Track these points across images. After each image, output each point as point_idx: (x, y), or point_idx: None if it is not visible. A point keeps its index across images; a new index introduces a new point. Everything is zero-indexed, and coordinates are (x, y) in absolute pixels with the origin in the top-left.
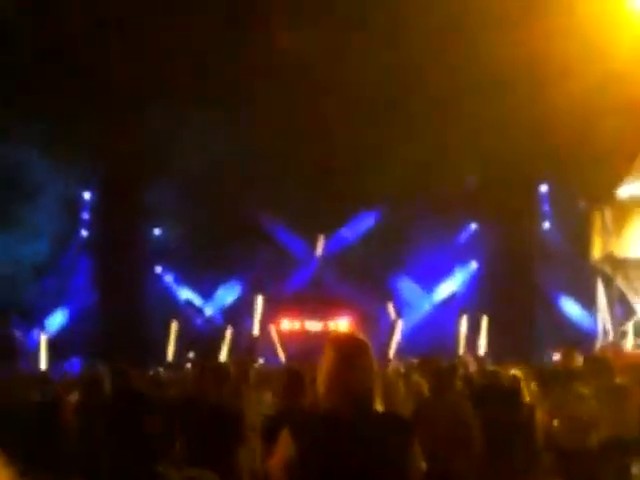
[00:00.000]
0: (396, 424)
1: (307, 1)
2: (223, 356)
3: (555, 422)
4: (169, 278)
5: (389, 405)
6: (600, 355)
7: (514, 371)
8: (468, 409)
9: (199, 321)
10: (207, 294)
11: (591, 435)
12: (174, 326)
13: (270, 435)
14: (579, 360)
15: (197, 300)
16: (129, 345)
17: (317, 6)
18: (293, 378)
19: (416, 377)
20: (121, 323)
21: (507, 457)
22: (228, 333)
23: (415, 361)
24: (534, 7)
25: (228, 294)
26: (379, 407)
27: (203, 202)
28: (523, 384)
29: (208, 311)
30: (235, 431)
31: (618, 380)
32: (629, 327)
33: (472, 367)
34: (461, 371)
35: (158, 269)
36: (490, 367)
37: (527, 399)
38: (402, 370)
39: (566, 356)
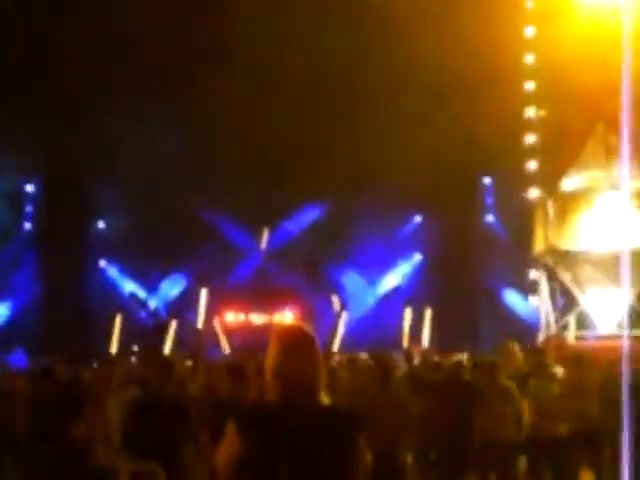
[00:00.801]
0: (342, 416)
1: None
2: (167, 349)
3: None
4: (113, 271)
5: (334, 397)
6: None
7: (457, 357)
8: (411, 401)
9: (143, 314)
10: (152, 287)
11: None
12: (118, 319)
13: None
14: (518, 353)
15: (141, 293)
16: (73, 338)
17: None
18: (236, 371)
19: (361, 369)
20: (65, 316)
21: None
22: (172, 326)
23: (362, 354)
24: (479, 18)
25: (173, 287)
26: (325, 399)
27: (148, 195)
28: (465, 370)
29: (152, 304)
30: (183, 426)
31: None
32: (571, 319)
33: (417, 359)
34: (404, 365)
35: (102, 262)
36: (434, 359)
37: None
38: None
39: (504, 350)
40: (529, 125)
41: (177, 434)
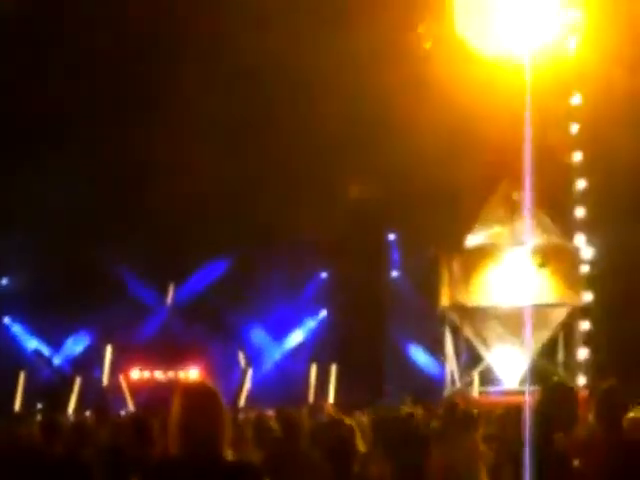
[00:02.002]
0: (245, 471)
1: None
2: (71, 407)
3: (373, 468)
4: (17, 328)
5: (239, 453)
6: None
7: (348, 421)
8: (317, 458)
9: (47, 371)
10: (56, 344)
11: None
12: (22, 376)
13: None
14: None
15: (45, 350)
16: None
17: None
18: (142, 427)
19: (267, 425)
20: None
21: None
22: (77, 383)
23: (267, 411)
24: (384, 56)
25: (77, 344)
26: (229, 455)
27: (52, 251)
28: (357, 434)
29: (57, 361)
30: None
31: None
32: (475, 375)
33: (321, 416)
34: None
35: (6, 319)
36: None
37: (361, 449)
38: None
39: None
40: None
41: None
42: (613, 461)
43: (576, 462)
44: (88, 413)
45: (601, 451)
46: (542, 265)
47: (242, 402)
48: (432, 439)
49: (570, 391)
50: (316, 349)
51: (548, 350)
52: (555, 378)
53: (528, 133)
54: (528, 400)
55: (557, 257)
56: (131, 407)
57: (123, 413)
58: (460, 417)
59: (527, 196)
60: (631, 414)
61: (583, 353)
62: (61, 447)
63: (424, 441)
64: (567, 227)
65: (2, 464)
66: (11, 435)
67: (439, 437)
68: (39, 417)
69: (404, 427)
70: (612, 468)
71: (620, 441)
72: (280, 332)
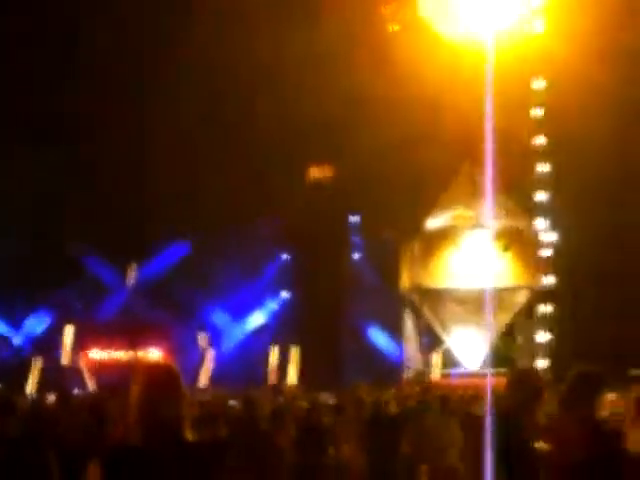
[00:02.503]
0: (206, 451)
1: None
2: (30, 386)
3: (345, 449)
4: None
5: (199, 433)
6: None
7: (304, 403)
8: (279, 438)
9: (7, 351)
10: (16, 324)
11: None
12: None
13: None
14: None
15: (5, 330)
16: None
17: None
18: (99, 409)
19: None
20: None
21: None
22: (37, 363)
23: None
24: (349, 42)
25: (38, 324)
26: (189, 435)
27: (12, 231)
28: (317, 414)
29: (16, 341)
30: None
31: None
32: (436, 357)
33: (281, 398)
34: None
35: None
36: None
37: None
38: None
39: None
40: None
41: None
42: (577, 445)
43: (538, 444)
44: (51, 396)
45: (564, 435)
46: (506, 248)
47: (203, 382)
48: (407, 420)
49: (532, 374)
50: (277, 330)
51: (507, 333)
52: (515, 362)
53: (489, 116)
54: (489, 383)
55: (519, 240)
56: (91, 387)
57: (77, 391)
58: (435, 399)
59: (488, 179)
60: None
61: (543, 336)
62: (16, 428)
63: (396, 423)
64: (529, 210)
65: None
66: None
67: (415, 418)
68: None
69: (375, 410)
70: (576, 452)
71: (587, 426)
72: (241, 313)
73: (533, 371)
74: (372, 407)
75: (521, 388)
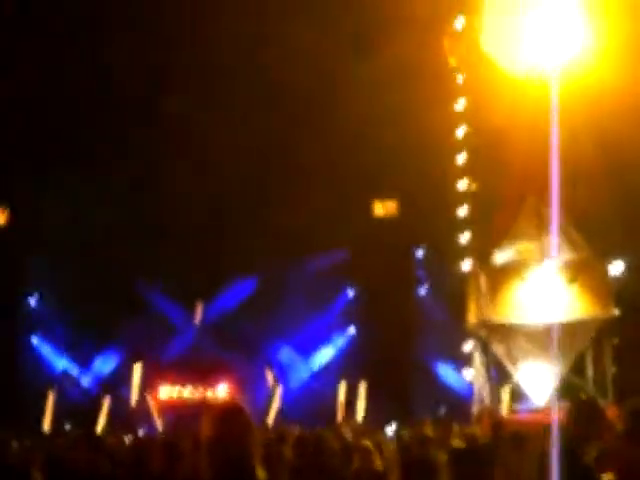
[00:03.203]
0: None
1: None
2: (100, 427)
3: None
4: (46, 348)
5: (272, 472)
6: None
7: (366, 442)
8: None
9: (76, 392)
10: (84, 364)
11: None
12: (50, 396)
13: None
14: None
15: (74, 370)
16: (4, 416)
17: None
18: (172, 449)
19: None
20: None
21: None
22: (105, 403)
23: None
24: (407, 71)
25: (106, 363)
26: (260, 473)
27: (79, 270)
28: (375, 454)
29: (85, 381)
30: None
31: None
32: (504, 392)
33: (348, 435)
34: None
35: (34, 339)
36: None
37: (379, 468)
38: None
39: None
40: (461, 197)
41: None
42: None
43: (605, 477)
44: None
45: (630, 466)
46: (572, 280)
47: (271, 421)
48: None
49: (596, 406)
50: (344, 367)
51: (577, 366)
52: (582, 395)
53: (554, 148)
54: (556, 416)
55: (586, 272)
56: (159, 426)
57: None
58: (508, 436)
59: (554, 212)
60: None
61: (613, 369)
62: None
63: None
64: (596, 242)
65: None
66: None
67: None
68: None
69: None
70: None
71: None
72: (308, 350)
73: (595, 403)
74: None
75: (585, 420)
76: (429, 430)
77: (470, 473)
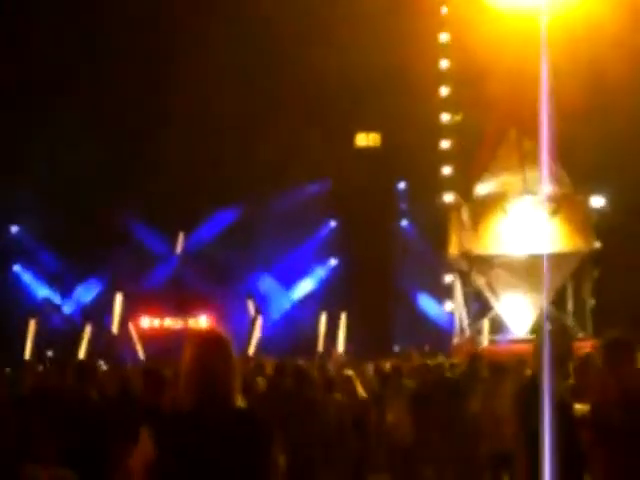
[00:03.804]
0: (256, 420)
1: None
2: (81, 354)
3: (389, 417)
4: (27, 276)
5: (250, 401)
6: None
7: (348, 372)
8: (328, 406)
9: (58, 319)
10: (66, 292)
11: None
12: (32, 324)
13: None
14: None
15: (56, 298)
16: None
17: None
18: (153, 377)
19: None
20: None
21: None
22: (87, 331)
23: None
24: (396, 6)
25: (88, 292)
26: (240, 402)
27: (62, 199)
28: (356, 383)
29: (67, 309)
30: (105, 430)
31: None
32: (484, 323)
33: (331, 366)
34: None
35: (16, 267)
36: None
37: (361, 396)
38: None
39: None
40: (444, 130)
41: (100, 439)
42: (617, 407)
43: (579, 407)
44: (101, 362)
45: (605, 396)
46: (554, 213)
47: (252, 351)
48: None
49: (564, 328)
50: (325, 297)
51: (558, 299)
52: (561, 324)
53: (544, 83)
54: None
55: (568, 205)
56: (141, 355)
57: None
58: (486, 367)
59: (540, 145)
60: None
61: (592, 302)
62: (96, 392)
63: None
64: (578, 176)
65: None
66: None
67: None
68: (48, 365)
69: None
70: (616, 414)
71: (627, 388)
72: (289, 281)
73: (563, 326)
74: (435, 371)
75: (553, 348)
76: (416, 361)
77: (439, 403)
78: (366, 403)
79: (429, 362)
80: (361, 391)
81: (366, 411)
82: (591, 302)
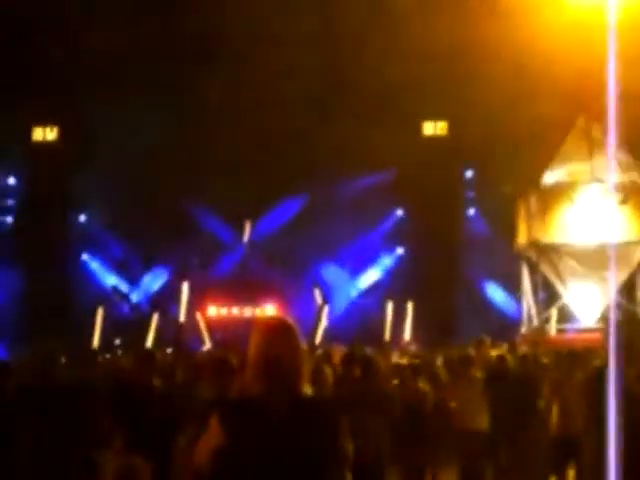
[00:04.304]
0: (325, 407)
1: None
2: (149, 343)
3: (452, 404)
4: (95, 264)
5: (317, 389)
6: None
7: (402, 361)
8: (393, 393)
9: (125, 308)
10: (134, 280)
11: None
12: (100, 312)
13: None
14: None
15: (124, 286)
16: (54, 331)
17: None
18: (221, 365)
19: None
20: (47, 309)
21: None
22: (154, 320)
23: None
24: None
25: (155, 281)
26: (308, 390)
27: (130, 188)
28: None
29: (134, 297)
30: (173, 418)
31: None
32: (552, 312)
33: (395, 356)
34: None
35: (84, 256)
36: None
37: (424, 388)
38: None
39: (478, 346)
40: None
41: (168, 425)
42: None
43: None
44: (168, 350)
45: None
46: (623, 202)
47: (318, 339)
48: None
49: (633, 318)
50: (392, 286)
51: (627, 288)
52: (627, 315)
53: (612, 69)
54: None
55: (637, 194)
56: (208, 344)
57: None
58: (555, 356)
59: (609, 133)
60: None
61: None
62: (158, 380)
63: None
64: None
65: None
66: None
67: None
68: (119, 353)
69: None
70: None
71: None
72: (356, 269)
73: (634, 319)
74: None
75: (622, 337)
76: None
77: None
78: (421, 393)
79: (498, 351)
80: (422, 384)
81: (421, 400)
82: None
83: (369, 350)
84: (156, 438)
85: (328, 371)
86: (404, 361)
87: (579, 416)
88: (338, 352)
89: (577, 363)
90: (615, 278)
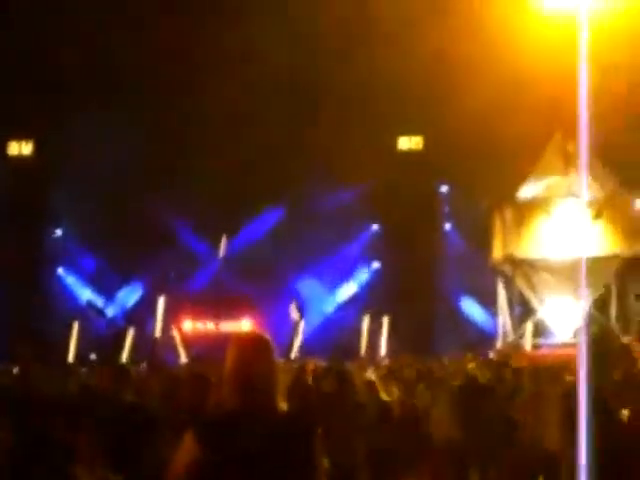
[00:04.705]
0: (299, 421)
1: None
2: (124, 358)
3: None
4: (71, 279)
5: (292, 404)
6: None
7: (370, 375)
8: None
9: (101, 322)
10: (109, 295)
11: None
12: (75, 327)
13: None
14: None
15: (99, 301)
16: (29, 346)
17: None
18: (198, 380)
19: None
20: (22, 324)
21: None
22: (130, 334)
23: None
24: (439, 8)
25: (130, 295)
26: (283, 405)
27: (105, 203)
28: (380, 387)
29: (110, 312)
30: (146, 432)
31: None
32: (528, 327)
33: (369, 372)
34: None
35: (60, 270)
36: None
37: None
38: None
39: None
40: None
41: (139, 442)
42: None
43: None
44: (143, 365)
45: None
46: (597, 217)
47: (294, 354)
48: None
49: (606, 333)
50: (368, 301)
51: (602, 303)
52: (601, 328)
53: (583, 84)
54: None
55: (611, 208)
56: (184, 358)
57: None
58: (545, 372)
59: (582, 148)
60: None
61: (637, 305)
62: (131, 395)
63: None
64: (622, 178)
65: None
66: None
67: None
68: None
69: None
70: None
71: None
72: (332, 283)
73: (612, 332)
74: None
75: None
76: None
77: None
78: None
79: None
80: (385, 395)
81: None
82: (635, 306)
83: (347, 365)
84: (129, 453)
85: (303, 386)
86: (372, 377)
87: (554, 431)
88: (314, 366)
89: (551, 378)
90: (590, 293)
